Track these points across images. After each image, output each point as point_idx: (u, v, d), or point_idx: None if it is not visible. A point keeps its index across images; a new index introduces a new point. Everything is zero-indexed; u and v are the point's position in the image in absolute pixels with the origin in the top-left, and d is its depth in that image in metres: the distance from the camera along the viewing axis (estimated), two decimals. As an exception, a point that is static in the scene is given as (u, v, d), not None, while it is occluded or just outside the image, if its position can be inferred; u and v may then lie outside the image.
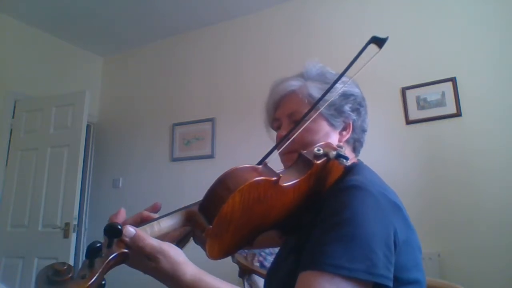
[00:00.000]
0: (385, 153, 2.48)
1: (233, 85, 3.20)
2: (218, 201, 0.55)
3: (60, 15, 3.18)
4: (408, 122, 2.47)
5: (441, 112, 2.38)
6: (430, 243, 2.20)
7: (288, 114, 0.80)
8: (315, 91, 0.78)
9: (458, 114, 2.34)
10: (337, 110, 0.78)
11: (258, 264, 2.06)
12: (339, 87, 0.76)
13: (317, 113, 0.73)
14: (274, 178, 0.59)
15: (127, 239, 0.50)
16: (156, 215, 0.59)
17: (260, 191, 0.58)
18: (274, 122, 0.85)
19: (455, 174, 2.27)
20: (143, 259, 0.52)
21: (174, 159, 3.28)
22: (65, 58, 3.57)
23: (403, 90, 2.51)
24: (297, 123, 0.73)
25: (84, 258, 0.46)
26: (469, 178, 2.23)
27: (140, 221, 0.57)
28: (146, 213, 0.60)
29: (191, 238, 0.64)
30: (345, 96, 0.79)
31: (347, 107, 0.79)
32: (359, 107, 0.82)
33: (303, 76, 0.83)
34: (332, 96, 0.75)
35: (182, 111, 3.37)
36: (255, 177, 0.57)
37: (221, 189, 0.57)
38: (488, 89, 2.29)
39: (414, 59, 2.53)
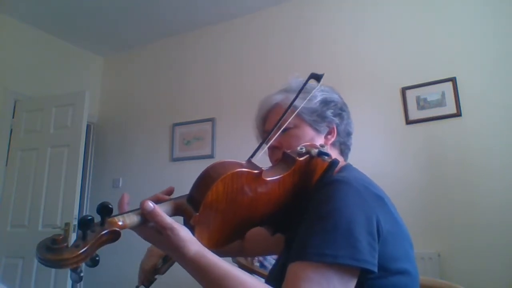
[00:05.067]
0: (385, 153, 2.48)
1: (233, 85, 3.20)
2: (203, 189, 0.59)
3: (60, 15, 3.18)
4: (408, 122, 2.47)
5: (441, 112, 2.38)
6: (430, 243, 2.20)
7: (275, 125, 0.85)
8: (297, 100, 0.84)
9: (458, 114, 2.34)
10: (319, 116, 0.84)
11: (258, 264, 2.06)
12: (318, 95, 0.84)
13: (294, 114, 0.80)
14: (256, 171, 0.63)
15: (145, 211, 0.56)
16: (168, 198, 0.65)
17: (243, 182, 0.61)
18: (264, 135, 0.91)
19: (455, 174, 2.27)
20: (154, 232, 0.58)
21: (174, 159, 3.28)
22: (65, 58, 3.57)
23: (403, 90, 2.51)
24: (275, 125, 0.78)
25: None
26: (469, 178, 2.23)
27: (155, 202, 0.62)
28: (161, 195, 0.67)
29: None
30: (326, 102, 0.85)
31: (329, 113, 0.85)
32: (341, 112, 0.88)
33: (285, 90, 0.90)
34: (312, 103, 0.82)
35: (182, 111, 3.37)
36: (238, 169, 0.61)
37: (205, 179, 0.61)
38: (488, 89, 2.29)
39: (414, 59, 2.53)
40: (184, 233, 0.57)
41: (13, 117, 3.11)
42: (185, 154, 3.24)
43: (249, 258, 2.08)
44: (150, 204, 0.57)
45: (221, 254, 1.04)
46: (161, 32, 3.54)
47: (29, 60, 3.24)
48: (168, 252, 0.60)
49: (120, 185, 3.49)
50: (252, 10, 3.22)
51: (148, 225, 0.58)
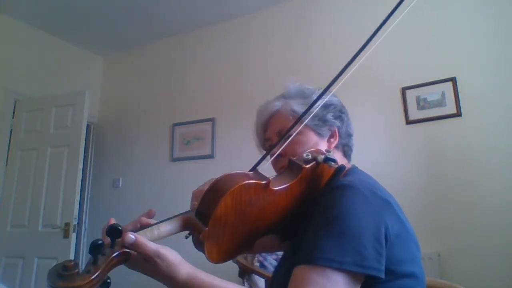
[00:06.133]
0: (385, 153, 2.48)
1: (233, 85, 3.20)
2: (212, 204, 0.58)
3: (60, 15, 3.18)
4: (408, 122, 2.47)
5: (441, 112, 2.38)
6: (430, 243, 2.20)
7: (276, 132, 0.85)
8: (297, 106, 0.84)
9: (458, 114, 2.34)
10: (321, 120, 0.84)
11: (258, 264, 2.06)
12: (318, 100, 0.82)
13: (302, 125, 0.78)
14: (264, 182, 0.62)
15: (127, 245, 0.54)
16: (153, 221, 0.62)
17: (251, 194, 0.61)
18: (265, 142, 0.91)
19: (455, 174, 2.27)
20: (142, 262, 0.56)
21: (174, 159, 3.28)
22: (65, 58, 3.57)
23: (403, 90, 2.51)
24: (283, 136, 0.77)
25: (88, 256, 0.51)
26: (469, 178, 2.23)
27: (140, 227, 0.61)
28: (145, 220, 0.63)
29: None
30: (326, 106, 0.85)
31: (329, 116, 0.85)
32: (341, 114, 0.88)
33: (284, 96, 0.89)
34: (313, 108, 0.80)
35: (182, 111, 3.37)
36: (245, 181, 0.60)
37: (213, 193, 0.60)
38: (488, 89, 2.29)
39: (414, 59, 2.53)
40: (172, 257, 0.56)
41: (13, 117, 3.11)
42: (185, 154, 3.24)
43: (249, 258, 2.08)
44: (132, 236, 0.54)
45: None
46: (161, 32, 3.54)
47: (29, 60, 3.24)
48: (160, 279, 0.57)
49: (120, 185, 3.49)
50: (252, 10, 3.22)
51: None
